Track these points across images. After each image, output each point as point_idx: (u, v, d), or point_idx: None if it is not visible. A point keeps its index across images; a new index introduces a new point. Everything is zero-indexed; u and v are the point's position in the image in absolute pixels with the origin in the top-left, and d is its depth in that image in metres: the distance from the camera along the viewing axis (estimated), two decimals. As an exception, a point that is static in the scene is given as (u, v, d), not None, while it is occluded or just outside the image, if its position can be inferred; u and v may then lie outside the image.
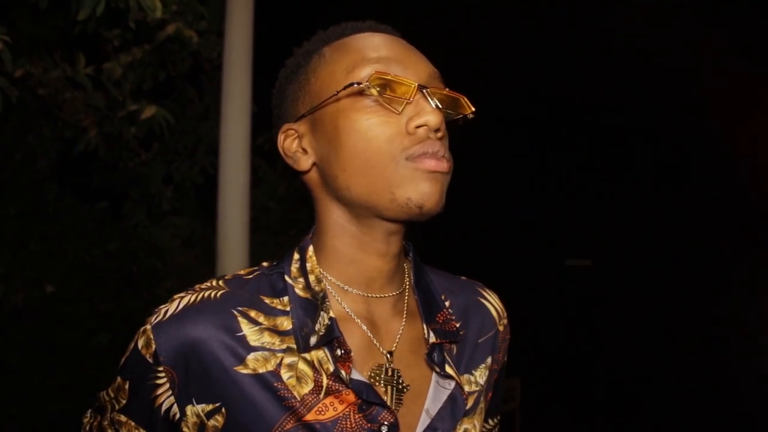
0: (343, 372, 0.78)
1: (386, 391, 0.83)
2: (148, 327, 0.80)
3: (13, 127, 3.97)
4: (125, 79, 3.79)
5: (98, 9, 2.31)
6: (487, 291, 1.04)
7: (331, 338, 0.80)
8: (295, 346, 0.80)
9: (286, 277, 0.86)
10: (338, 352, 0.79)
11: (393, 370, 0.84)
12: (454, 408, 0.86)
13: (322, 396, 0.79)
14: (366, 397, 0.79)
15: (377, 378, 0.83)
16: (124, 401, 0.83)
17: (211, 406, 0.78)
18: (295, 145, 0.86)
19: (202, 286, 0.85)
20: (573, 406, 8.79)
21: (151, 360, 0.79)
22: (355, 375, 0.80)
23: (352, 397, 0.79)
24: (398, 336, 0.87)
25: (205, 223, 4.44)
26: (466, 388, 0.89)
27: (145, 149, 4.22)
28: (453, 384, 0.86)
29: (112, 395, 0.85)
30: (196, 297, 0.82)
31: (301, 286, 0.84)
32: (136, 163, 4.23)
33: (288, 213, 5.09)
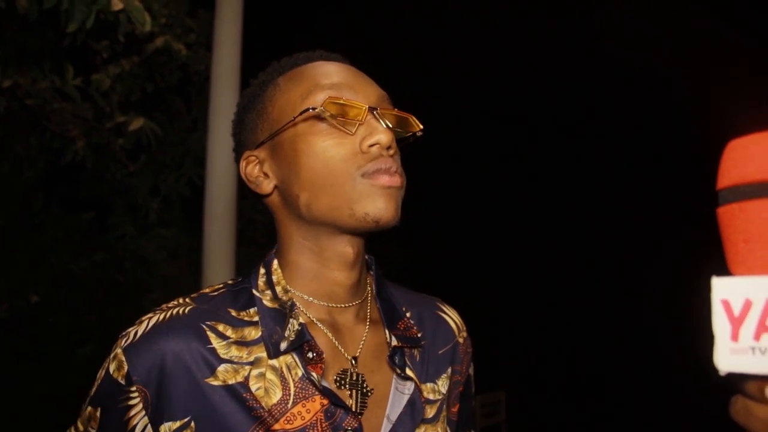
0: (314, 374, 0.81)
1: (351, 395, 0.86)
2: (119, 351, 0.81)
3: (0, 137, 3.97)
4: (113, 90, 3.81)
5: (88, 21, 2.34)
6: (446, 306, 1.09)
7: (302, 342, 0.83)
8: (262, 355, 0.83)
9: (254, 291, 0.89)
10: (310, 354, 0.82)
11: (358, 375, 0.87)
12: (414, 412, 0.89)
13: (290, 405, 0.81)
14: (332, 402, 0.81)
15: (342, 382, 0.86)
16: (94, 431, 0.82)
17: (179, 423, 0.79)
18: (256, 170, 0.91)
19: (169, 305, 0.86)
20: (558, 418, 8.81)
21: (123, 381, 0.79)
22: (322, 381, 0.82)
23: (318, 405, 0.82)
24: (362, 342, 0.91)
25: (192, 235, 4.44)
26: (430, 396, 0.93)
27: (132, 161, 4.23)
28: (412, 388, 0.90)
29: (82, 429, 0.84)
30: (164, 315, 0.84)
31: (268, 297, 0.88)
32: (123, 174, 4.24)
33: (274, 225, 5.09)
